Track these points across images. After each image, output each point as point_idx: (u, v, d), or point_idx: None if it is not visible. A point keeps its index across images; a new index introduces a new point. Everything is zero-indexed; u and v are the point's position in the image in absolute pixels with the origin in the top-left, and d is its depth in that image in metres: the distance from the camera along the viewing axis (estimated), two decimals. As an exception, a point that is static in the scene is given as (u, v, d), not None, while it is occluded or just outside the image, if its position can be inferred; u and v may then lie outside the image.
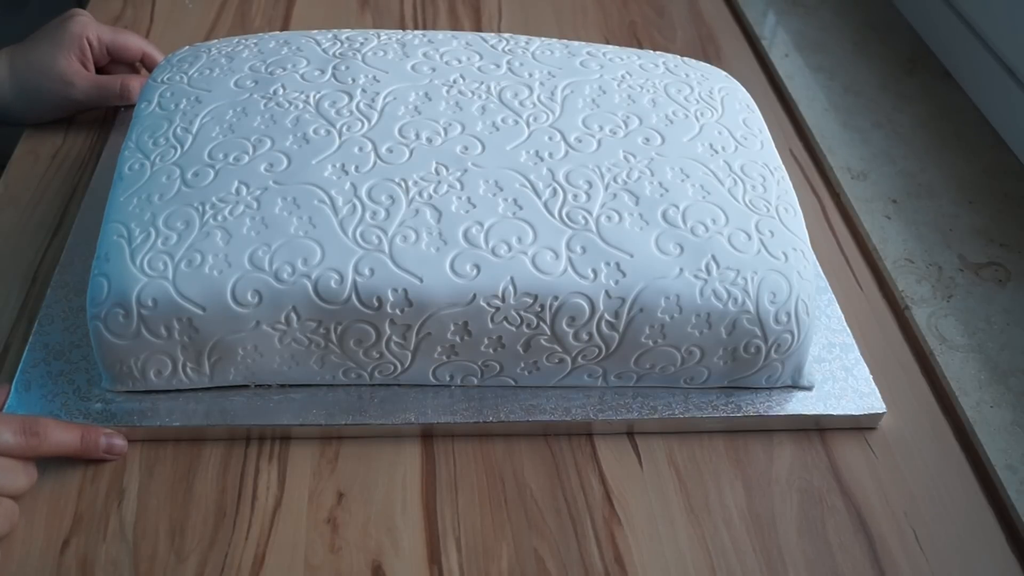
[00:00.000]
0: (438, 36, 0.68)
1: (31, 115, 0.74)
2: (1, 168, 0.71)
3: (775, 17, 0.96)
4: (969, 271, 0.69)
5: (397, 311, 0.52)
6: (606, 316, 0.53)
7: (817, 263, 0.66)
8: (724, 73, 0.70)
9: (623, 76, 0.65)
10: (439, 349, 0.54)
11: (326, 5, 0.93)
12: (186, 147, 0.57)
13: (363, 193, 0.55)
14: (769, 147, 0.63)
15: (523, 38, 0.69)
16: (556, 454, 0.56)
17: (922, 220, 0.73)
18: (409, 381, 0.56)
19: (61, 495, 0.52)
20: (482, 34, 0.69)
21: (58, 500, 0.51)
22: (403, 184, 0.55)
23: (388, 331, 0.53)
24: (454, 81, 0.63)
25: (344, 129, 0.59)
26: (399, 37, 0.67)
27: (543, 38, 0.69)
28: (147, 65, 0.78)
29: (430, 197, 0.55)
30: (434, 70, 0.64)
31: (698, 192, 0.57)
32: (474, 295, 0.52)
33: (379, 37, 0.67)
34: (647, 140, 0.60)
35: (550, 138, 0.59)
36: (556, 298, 0.53)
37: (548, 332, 0.54)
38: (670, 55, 0.70)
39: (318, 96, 0.61)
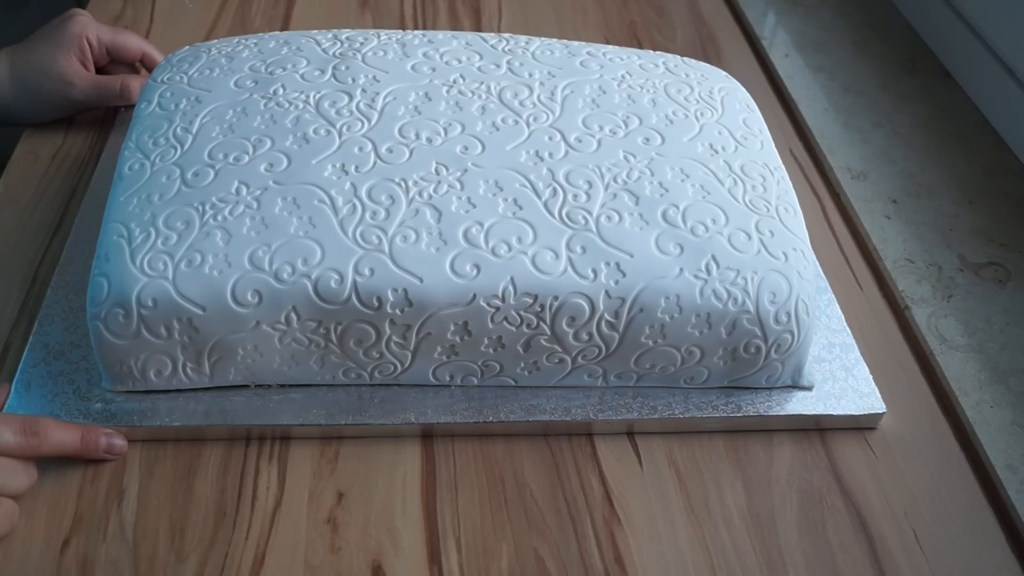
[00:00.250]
0: (438, 36, 0.68)
1: (31, 115, 0.74)
2: (1, 168, 0.71)
3: (775, 17, 0.96)
4: (969, 271, 0.69)
5: (397, 311, 0.52)
6: (606, 316, 0.53)
7: (817, 263, 0.66)
8: (724, 73, 0.70)
9: (623, 76, 0.65)
10: (439, 349, 0.54)
11: (326, 5, 0.93)
12: (186, 147, 0.57)
13: (363, 193, 0.55)
14: (769, 147, 0.63)
15: (523, 38, 0.69)
16: (556, 454, 0.56)
17: (922, 220, 0.73)
18: (409, 381, 0.56)
19: (61, 495, 0.52)
20: (482, 34, 0.69)
21: (58, 500, 0.51)
22: (403, 184, 0.55)
23: (388, 331, 0.53)
24: (454, 81, 0.63)
25: (344, 129, 0.59)
26: (399, 37, 0.67)
27: (543, 38, 0.69)
28: (147, 65, 0.78)
29: (430, 197, 0.55)
30: (434, 70, 0.64)
31: (698, 192, 0.57)
32: (474, 295, 0.52)
33: (379, 37, 0.67)
34: (647, 140, 0.60)
35: (550, 138, 0.59)
36: (556, 298, 0.53)
37: (548, 332, 0.54)
38: (670, 55, 0.70)
39: (318, 96, 0.61)
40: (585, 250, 0.54)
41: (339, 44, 0.66)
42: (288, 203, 0.54)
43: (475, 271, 0.52)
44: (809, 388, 0.59)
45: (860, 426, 0.58)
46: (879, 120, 0.82)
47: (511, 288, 0.52)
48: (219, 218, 0.53)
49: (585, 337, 0.54)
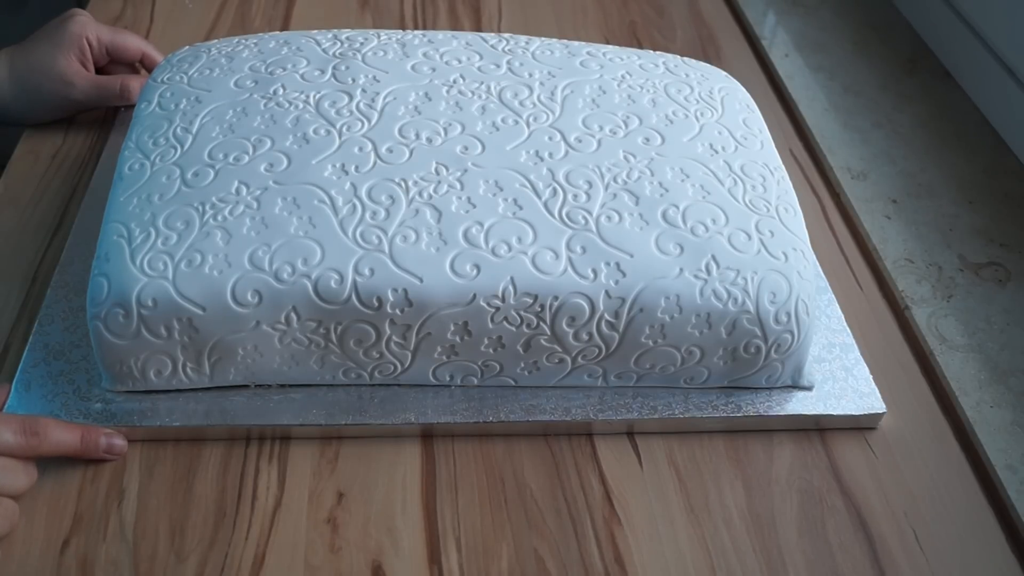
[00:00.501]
0: (438, 36, 0.68)
1: (31, 115, 0.74)
2: (1, 168, 0.71)
3: (775, 17, 0.96)
4: (969, 271, 0.69)
5: (397, 311, 0.52)
6: (606, 316, 0.53)
7: (817, 263, 0.66)
8: (724, 73, 0.70)
9: (623, 76, 0.65)
10: (439, 349, 0.54)
11: (326, 5, 0.93)
12: (186, 147, 0.57)
13: (363, 193, 0.55)
14: (769, 147, 0.63)
15: (523, 38, 0.69)
16: (556, 454, 0.56)
17: (922, 220, 0.73)
18: (409, 381, 0.56)
19: (61, 495, 0.52)
20: (482, 34, 0.69)
21: (58, 500, 0.51)
22: (403, 184, 0.55)
23: (388, 331, 0.53)
24: (454, 81, 0.63)
25: (344, 129, 0.59)
26: (399, 37, 0.67)
27: (543, 38, 0.69)
28: (147, 65, 0.78)
29: (430, 197, 0.55)
30: (434, 70, 0.64)
31: (698, 192, 0.57)
32: (474, 295, 0.52)
33: (379, 37, 0.67)
34: (647, 140, 0.60)
35: (550, 138, 0.59)
36: (556, 298, 0.53)
37: (548, 332, 0.54)
38: (670, 55, 0.70)
39: (318, 96, 0.61)
40: (585, 250, 0.54)
41: (339, 44, 0.66)
42: (288, 203, 0.54)
43: (475, 271, 0.52)
44: (809, 388, 0.59)
45: (860, 426, 0.58)
46: (879, 120, 0.82)
47: (511, 288, 0.52)
48: (219, 218, 0.53)
49: (585, 337, 0.54)
